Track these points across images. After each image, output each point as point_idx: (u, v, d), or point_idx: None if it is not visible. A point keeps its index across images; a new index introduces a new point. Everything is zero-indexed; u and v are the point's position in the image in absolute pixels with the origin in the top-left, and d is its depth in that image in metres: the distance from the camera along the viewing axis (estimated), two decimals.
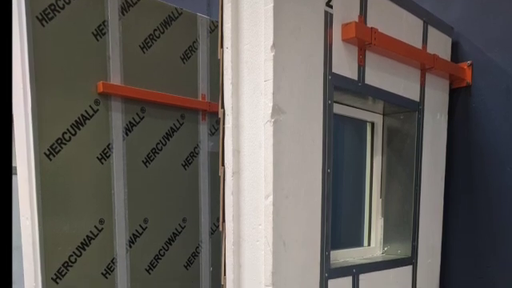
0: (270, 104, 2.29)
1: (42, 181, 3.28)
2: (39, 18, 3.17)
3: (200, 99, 4.06)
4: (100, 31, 3.42)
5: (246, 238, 2.42)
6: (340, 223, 3.30)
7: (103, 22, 3.43)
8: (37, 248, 3.30)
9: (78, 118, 3.41)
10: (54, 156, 3.30)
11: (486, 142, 3.34)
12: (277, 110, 2.30)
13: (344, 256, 3.10)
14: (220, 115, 2.49)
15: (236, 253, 2.45)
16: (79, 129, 3.40)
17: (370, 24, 2.75)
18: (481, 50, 3.37)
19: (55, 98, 3.31)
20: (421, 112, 3.23)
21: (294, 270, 2.43)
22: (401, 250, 3.28)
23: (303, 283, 2.48)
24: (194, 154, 4.09)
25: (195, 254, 4.20)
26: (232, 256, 2.45)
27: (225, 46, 2.46)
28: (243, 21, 2.41)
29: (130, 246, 3.74)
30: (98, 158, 3.51)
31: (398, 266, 3.17)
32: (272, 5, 2.27)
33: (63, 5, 3.25)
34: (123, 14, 3.53)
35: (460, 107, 3.46)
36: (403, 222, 3.26)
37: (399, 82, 3.03)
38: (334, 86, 2.59)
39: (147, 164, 3.78)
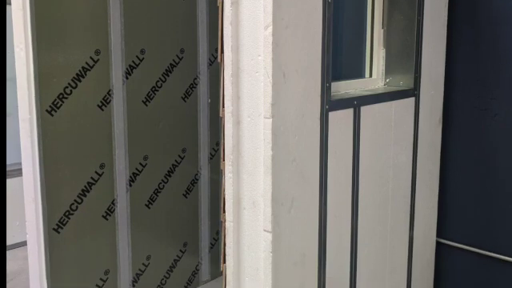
0: None
1: (36, 9, 3.32)
2: None
3: None
4: None
5: (245, 69, 2.50)
6: (341, 54, 3.36)
7: None
8: (31, 79, 3.39)
9: None
10: None
11: None
12: None
13: (345, 88, 3.18)
14: None
15: (235, 84, 2.53)
16: None
17: None
18: None
19: None
20: None
21: (294, 102, 2.53)
22: (403, 82, 3.37)
23: (303, 115, 2.59)
24: None
25: (193, 86, 4.31)
26: (231, 87, 2.53)
27: None
28: None
29: (127, 78, 3.83)
30: None
31: (400, 98, 3.27)
32: None
33: None
34: None
35: None
36: (405, 52, 3.32)
37: None
38: None
39: None
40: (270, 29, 2.36)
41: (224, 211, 2.66)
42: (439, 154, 3.67)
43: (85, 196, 3.77)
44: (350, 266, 3.04)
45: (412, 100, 3.36)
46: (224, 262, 2.70)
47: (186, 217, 4.49)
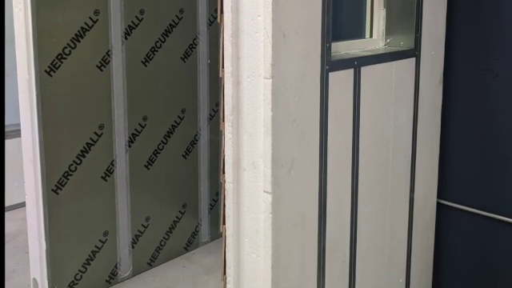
0: None
1: None
2: None
3: None
4: None
5: (245, 29, 2.51)
6: (341, 14, 3.36)
7: None
8: (30, 40, 3.41)
9: None
10: None
11: None
12: None
13: (345, 48, 3.18)
14: None
15: (235, 45, 2.55)
16: None
17: None
18: None
19: None
20: None
21: (294, 63, 2.55)
22: (404, 42, 3.37)
23: (304, 76, 2.61)
24: None
25: (193, 46, 4.32)
26: (230, 48, 2.55)
27: None
28: None
29: (126, 38, 3.85)
30: None
31: (400, 58, 3.27)
32: None
33: None
34: None
35: None
36: (406, 12, 3.31)
37: None
38: None
39: None
40: None
41: (224, 172, 2.69)
42: (440, 115, 3.68)
43: (84, 157, 3.81)
44: (351, 226, 3.08)
45: (412, 60, 3.36)
46: (224, 223, 2.73)
47: (185, 178, 4.54)
